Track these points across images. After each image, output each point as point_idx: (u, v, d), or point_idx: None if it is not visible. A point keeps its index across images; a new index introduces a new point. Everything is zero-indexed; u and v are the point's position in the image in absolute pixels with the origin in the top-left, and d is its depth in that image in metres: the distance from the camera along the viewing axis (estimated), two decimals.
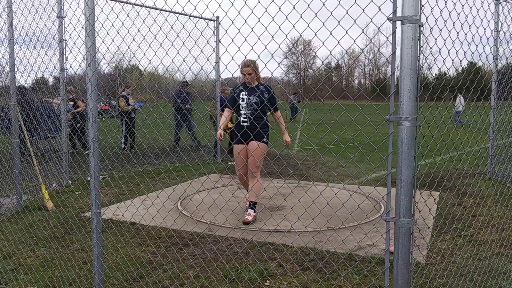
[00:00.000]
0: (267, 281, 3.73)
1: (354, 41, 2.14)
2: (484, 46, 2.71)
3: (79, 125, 11.12)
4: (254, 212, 5.47)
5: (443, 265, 4.02)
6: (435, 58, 2.35)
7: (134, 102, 12.06)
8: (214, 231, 5.06)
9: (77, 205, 6.24)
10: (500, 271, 3.84)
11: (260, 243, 4.62)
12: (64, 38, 7.28)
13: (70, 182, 7.72)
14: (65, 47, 7.24)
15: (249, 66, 5.31)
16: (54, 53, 7.20)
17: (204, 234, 4.96)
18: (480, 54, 2.68)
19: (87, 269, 3.96)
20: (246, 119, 5.36)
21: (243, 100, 5.38)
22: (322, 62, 2.45)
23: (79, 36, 3.31)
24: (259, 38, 2.39)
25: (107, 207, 6.05)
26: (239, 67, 5.39)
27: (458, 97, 18.37)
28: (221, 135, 5.43)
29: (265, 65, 2.49)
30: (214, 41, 9.89)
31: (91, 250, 3.78)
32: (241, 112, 5.38)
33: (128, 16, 3.10)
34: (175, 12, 8.07)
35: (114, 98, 12.15)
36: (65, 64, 7.42)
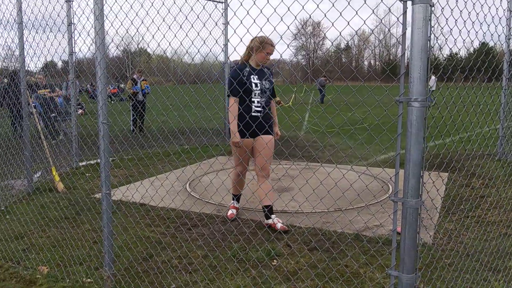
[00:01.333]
0: (275, 260, 3.77)
1: (364, 21, 2.12)
2: (496, 26, 2.67)
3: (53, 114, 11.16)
4: (275, 217, 4.65)
5: (450, 246, 4.03)
6: (446, 39, 2.32)
7: (146, 85, 12.11)
8: (223, 212, 5.10)
9: (87, 186, 6.31)
10: (507, 251, 3.86)
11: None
12: (72, 22, 7.28)
13: (80, 164, 7.79)
14: (74, 31, 7.23)
15: (274, 46, 4.41)
16: (63, 37, 7.21)
17: (213, 214, 5.00)
18: (492, 35, 2.65)
19: (97, 248, 4.03)
20: (260, 109, 4.53)
21: (256, 85, 4.48)
22: (332, 43, 2.43)
23: (88, 20, 3.30)
24: (268, 20, 2.38)
25: (116, 189, 6.11)
26: (259, 44, 4.37)
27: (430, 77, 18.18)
28: (237, 142, 4.48)
29: (275, 48, 2.48)
30: (223, 23, 9.83)
31: (101, 230, 3.83)
32: (252, 100, 4.49)
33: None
34: None
35: (123, 81, 12.18)
36: (74, 48, 7.43)
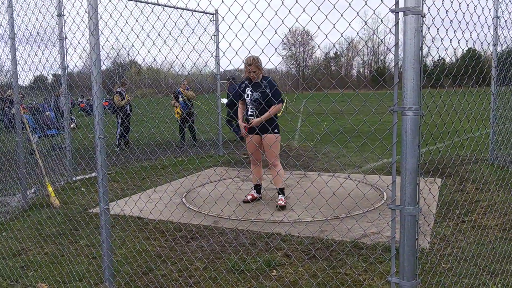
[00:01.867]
0: (275, 270, 3.79)
1: (357, 33, 2.17)
2: (486, 34, 2.74)
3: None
4: (284, 196, 5.72)
5: (447, 251, 4.07)
6: (438, 48, 2.38)
7: (129, 99, 12.00)
8: (221, 224, 5.12)
9: (83, 201, 6.30)
10: (503, 255, 3.89)
11: (267, 234, 4.67)
12: (65, 36, 7.30)
13: (75, 178, 7.78)
14: (68, 46, 7.26)
15: (252, 64, 5.33)
16: (58, 52, 7.24)
17: (212, 226, 5.01)
18: (481, 42, 2.70)
19: (96, 264, 4.02)
20: (252, 114, 5.55)
21: (247, 96, 5.54)
22: (325, 54, 2.48)
23: (83, 35, 3.34)
24: (262, 32, 2.42)
25: (114, 202, 6.11)
26: (244, 63, 5.41)
27: None
28: (245, 130, 5.62)
29: (269, 59, 2.52)
30: (214, 35, 9.90)
31: (100, 246, 3.84)
32: (248, 107, 5.58)
33: (131, 14, 3.13)
34: (172, 7, 8.08)
35: (109, 94, 12.08)
36: (67, 62, 7.44)
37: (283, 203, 5.62)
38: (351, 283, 3.47)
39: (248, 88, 5.53)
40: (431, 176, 7.08)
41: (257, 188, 6.04)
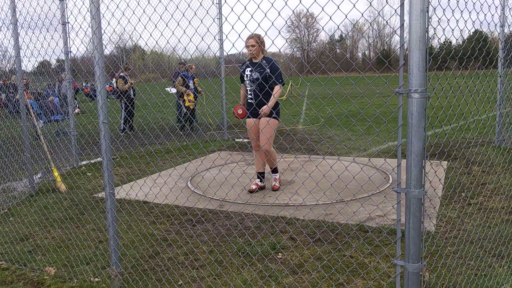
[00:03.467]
0: (280, 253, 3.80)
1: (362, 14, 2.14)
2: (493, 15, 2.69)
3: None
4: (277, 175, 5.82)
5: (453, 233, 4.07)
6: (444, 30, 2.34)
7: (132, 83, 11.84)
8: (227, 207, 5.13)
9: (89, 186, 6.33)
10: (509, 237, 3.89)
11: (272, 218, 4.68)
12: (67, 21, 7.26)
13: (81, 163, 7.81)
14: (69, 31, 7.23)
15: (252, 38, 5.26)
16: (60, 36, 7.21)
17: (217, 210, 5.03)
18: (488, 24, 2.66)
19: (103, 248, 4.06)
20: (251, 96, 5.46)
21: (246, 76, 5.45)
22: (330, 37, 2.45)
23: (84, 19, 3.31)
24: (265, 14, 2.39)
25: (119, 187, 6.14)
26: (245, 42, 5.35)
27: None
28: (242, 112, 5.46)
29: (273, 42, 2.49)
30: (217, 17, 9.82)
31: (106, 230, 3.86)
32: (247, 88, 5.51)
33: None
34: None
35: (112, 79, 11.95)
36: (70, 47, 7.42)
37: (277, 183, 5.75)
38: (356, 266, 3.48)
39: (248, 69, 5.43)
40: (437, 159, 7.06)
41: (261, 175, 5.87)
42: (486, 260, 3.48)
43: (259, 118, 5.45)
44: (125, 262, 3.72)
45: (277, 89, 5.34)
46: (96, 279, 3.46)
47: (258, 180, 5.87)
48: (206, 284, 3.31)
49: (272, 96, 5.28)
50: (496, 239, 3.84)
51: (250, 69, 5.41)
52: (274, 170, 5.81)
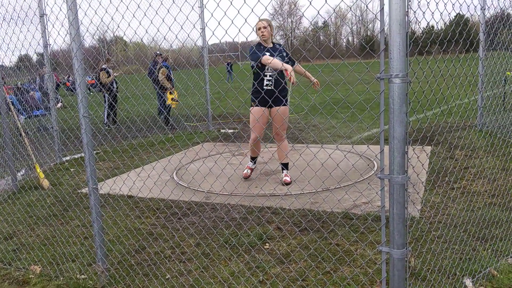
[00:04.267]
0: (267, 244, 3.80)
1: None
2: None
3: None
4: (287, 171, 5.63)
5: (437, 218, 4.10)
6: (424, 12, 2.32)
7: (115, 75, 11.63)
8: (212, 199, 5.11)
9: (73, 181, 6.25)
10: (492, 220, 3.94)
11: (257, 208, 4.67)
12: (44, 12, 7.12)
13: (63, 159, 7.71)
14: (47, 22, 7.08)
15: (263, 21, 5.17)
16: (36, 29, 7.06)
17: (202, 202, 5.01)
18: (468, 6, 2.65)
19: (88, 244, 4.01)
20: (270, 82, 5.23)
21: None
22: (310, 22, 2.42)
23: (60, 10, 3.23)
24: (245, 1, 2.35)
25: (103, 182, 6.07)
26: (254, 28, 5.17)
27: None
28: (293, 79, 4.84)
29: (253, 29, 2.46)
30: (199, 7, 9.71)
31: (91, 226, 3.82)
32: (265, 74, 5.21)
33: None
34: None
35: (93, 72, 11.71)
36: (48, 40, 7.27)
37: (288, 179, 5.51)
38: (342, 253, 3.49)
39: (267, 53, 5.18)
40: (419, 144, 7.11)
41: (254, 159, 5.86)
42: (471, 243, 3.52)
43: (292, 83, 4.97)
44: (111, 258, 3.68)
45: (299, 65, 5.40)
46: (82, 276, 3.42)
47: (251, 163, 5.86)
48: (193, 277, 3.30)
49: (304, 71, 5.35)
50: (480, 222, 3.88)
51: (269, 54, 5.20)
52: (286, 166, 5.63)
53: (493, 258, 3.26)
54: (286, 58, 5.29)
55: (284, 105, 5.35)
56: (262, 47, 5.22)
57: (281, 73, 5.20)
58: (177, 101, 10.73)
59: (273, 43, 5.37)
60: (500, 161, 5.82)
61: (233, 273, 3.32)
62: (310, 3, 2.14)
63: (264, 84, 5.24)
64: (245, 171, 5.86)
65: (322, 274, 3.21)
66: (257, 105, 5.29)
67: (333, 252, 3.54)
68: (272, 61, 4.93)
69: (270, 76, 5.23)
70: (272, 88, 5.24)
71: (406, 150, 2.09)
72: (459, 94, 2.99)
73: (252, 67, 5.22)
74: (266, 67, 5.16)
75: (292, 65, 5.19)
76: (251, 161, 5.88)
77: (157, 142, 8.86)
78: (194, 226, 4.32)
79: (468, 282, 2.94)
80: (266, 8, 2.54)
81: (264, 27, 5.15)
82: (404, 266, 2.19)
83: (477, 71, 7.57)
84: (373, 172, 5.81)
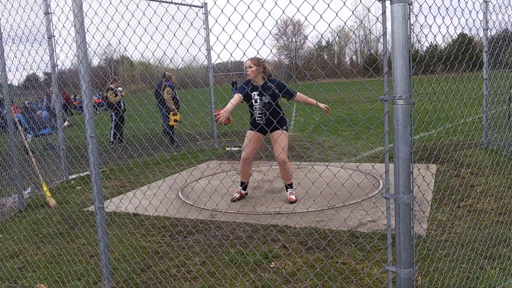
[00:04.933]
0: (272, 262, 3.80)
1: (345, 23, 2.16)
2: (474, 20, 2.73)
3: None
4: (292, 190, 5.63)
5: (444, 237, 4.09)
6: (426, 36, 2.37)
7: (122, 94, 11.70)
8: (217, 217, 5.12)
9: (79, 200, 6.28)
10: (500, 239, 3.92)
11: (263, 226, 4.68)
12: (53, 34, 7.24)
13: (70, 177, 7.75)
14: (55, 44, 7.20)
15: (250, 60, 5.23)
16: (45, 51, 7.17)
17: (208, 221, 5.01)
18: (470, 28, 2.70)
19: (94, 262, 4.02)
20: (261, 117, 5.38)
21: (255, 101, 5.34)
22: (315, 45, 2.47)
23: (68, 33, 3.30)
24: (249, 25, 2.40)
25: (109, 200, 6.09)
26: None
27: None
28: (221, 119, 5.05)
29: (258, 52, 2.51)
30: (204, 28, 9.84)
31: (97, 244, 3.83)
32: (255, 110, 5.41)
33: (117, 10, 3.10)
34: (162, 1, 8.02)
35: (103, 90, 11.80)
36: (56, 60, 7.39)
37: (293, 197, 5.53)
38: (349, 272, 3.48)
39: (254, 92, 5.31)
40: (425, 163, 7.11)
41: (244, 186, 5.85)
42: (478, 262, 3.50)
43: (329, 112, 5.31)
44: (116, 276, 3.69)
45: (301, 95, 5.45)
46: None
47: (241, 188, 5.83)
48: None
49: (306, 98, 5.43)
50: (487, 241, 3.87)
51: (257, 93, 5.30)
52: (290, 186, 5.64)
53: (501, 277, 3.25)
54: (280, 94, 5.26)
55: (280, 129, 5.38)
56: (249, 84, 5.32)
57: (270, 106, 5.25)
58: (180, 122, 10.74)
59: (268, 79, 5.33)
60: (506, 179, 5.80)
61: None
62: (314, 27, 2.19)
63: (256, 119, 5.44)
64: (235, 194, 5.81)
65: None
66: (251, 129, 5.53)
67: (339, 271, 3.53)
68: (225, 108, 5.11)
69: (259, 114, 5.38)
70: (264, 121, 5.34)
71: (411, 169, 2.11)
72: (463, 113, 3.01)
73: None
74: (254, 106, 5.35)
75: (290, 97, 5.38)
76: (240, 186, 5.84)
77: (162, 161, 8.90)
78: (200, 244, 4.32)
79: None
80: (270, 32, 2.60)
81: (250, 67, 5.22)
82: (411, 286, 2.19)
83: (481, 91, 7.60)
84: (378, 190, 5.81)
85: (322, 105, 5.40)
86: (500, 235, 3.99)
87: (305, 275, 3.51)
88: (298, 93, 5.43)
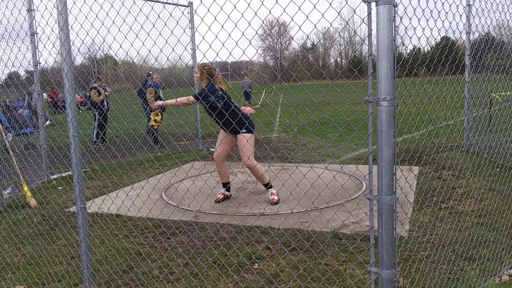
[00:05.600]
0: (256, 264, 3.79)
1: (331, 24, 2.16)
2: (458, 23, 2.76)
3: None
4: (273, 189, 5.61)
5: (425, 238, 4.13)
6: (410, 38, 2.38)
7: (106, 94, 11.56)
8: (201, 219, 5.09)
9: (60, 200, 6.20)
10: (480, 240, 3.97)
11: (247, 228, 4.67)
12: (35, 32, 7.13)
13: (51, 177, 7.64)
14: (38, 42, 7.09)
15: (197, 67, 5.42)
16: (27, 49, 7.07)
17: (191, 222, 4.99)
18: (453, 31, 2.73)
19: (75, 264, 3.96)
20: (215, 120, 5.37)
21: (204, 106, 5.39)
22: (301, 46, 2.47)
23: (52, 31, 3.26)
24: (236, 25, 2.39)
25: (91, 201, 6.02)
26: None
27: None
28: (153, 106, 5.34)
29: (244, 52, 2.50)
30: (189, 28, 9.79)
31: (78, 245, 3.78)
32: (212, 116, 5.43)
33: (101, 8, 3.06)
34: (149, 0, 7.96)
35: (86, 89, 11.67)
36: (38, 58, 7.28)
37: (276, 197, 5.52)
38: (331, 274, 3.49)
39: (221, 94, 5.33)
40: (407, 165, 7.17)
41: (226, 186, 5.85)
42: (458, 263, 3.54)
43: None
44: (98, 278, 3.64)
45: (185, 98, 5.40)
46: None
47: (224, 189, 5.83)
48: None
49: (175, 100, 5.41)
50: (467, 242, 3.91)
51: (220, 93, 5.33)
52: (268, 186, 5.61)
53: (481, 278, 3.29)
54: (211, 101, 5.22)
55: (239, 132, 5.32)
56: (221, 92, 5.28)
57: (212, 109, 5.25)
58: (161, 123, 10.58)
59: (207, 85, 5.30)
60: (487, 182, 5.89)
61: None
62: (300, 27, 2.19)
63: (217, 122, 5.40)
64: (218, 195, 5.79)
65: None
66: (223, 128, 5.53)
67: (322, 272, 3.54)
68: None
69: (215, 118, 5.33)
70: (222, 125, 5.34)
71: (394, 171, 2.12)
72: (445, 116, 3.05)
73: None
74: (213, 111, 5.27)
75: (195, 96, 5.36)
76: (223, 188, 5.84)
77: (146, 161, 8.83)
78: (183, 245, 4.29)
79: None
80: (256, 32, 2.59)
81: (196, 73, 5.41)
82: (393, 287, 2.20)
83: (463, 94, 7.70)
84: (362, 192, 5.84)
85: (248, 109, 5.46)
86: (480, 237, 4.05)
87: (288, 276, 3.51)
88: (189, 98, 5.37)
